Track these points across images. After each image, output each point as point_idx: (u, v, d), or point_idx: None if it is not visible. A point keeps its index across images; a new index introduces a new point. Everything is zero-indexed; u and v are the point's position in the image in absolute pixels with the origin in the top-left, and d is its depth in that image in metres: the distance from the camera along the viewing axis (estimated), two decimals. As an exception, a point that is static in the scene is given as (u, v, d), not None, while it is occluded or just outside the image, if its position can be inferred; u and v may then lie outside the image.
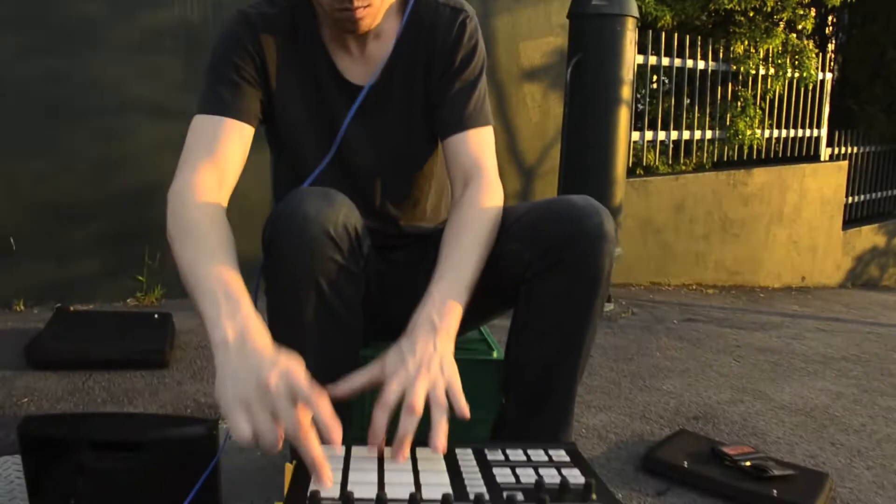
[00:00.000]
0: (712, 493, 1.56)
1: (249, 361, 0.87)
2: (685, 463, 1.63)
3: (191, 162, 1.12)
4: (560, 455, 0.96)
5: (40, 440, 1.28)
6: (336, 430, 0.86)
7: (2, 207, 2.59)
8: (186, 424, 1.37)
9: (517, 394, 1.22)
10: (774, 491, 1.51)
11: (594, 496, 0.82)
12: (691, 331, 3.14)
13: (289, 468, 0.94)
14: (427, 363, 0.96)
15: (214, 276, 0.96)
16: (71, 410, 1.78)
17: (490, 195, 1.19)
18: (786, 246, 4.64)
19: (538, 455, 0.96)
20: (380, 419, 0.91)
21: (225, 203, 1.12)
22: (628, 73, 3.08)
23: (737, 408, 2.15)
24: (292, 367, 0.87)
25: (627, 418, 2.00)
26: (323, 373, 1.04)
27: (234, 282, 0.96)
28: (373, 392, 0.98)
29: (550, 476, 0.88)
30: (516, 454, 0.96)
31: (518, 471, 0.90)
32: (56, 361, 2.02)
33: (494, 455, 0.95)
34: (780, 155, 4.83)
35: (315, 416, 0.85)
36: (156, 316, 2.32)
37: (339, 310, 1.07)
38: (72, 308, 2.65)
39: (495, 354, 1.44)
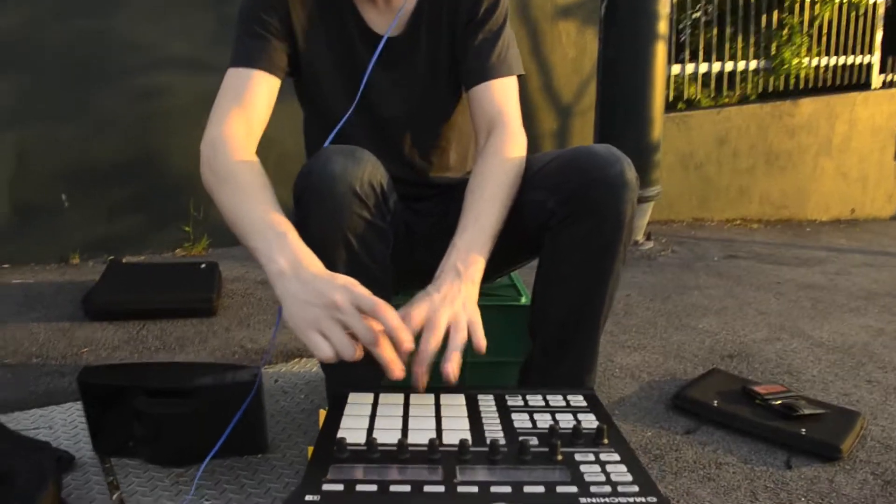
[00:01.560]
0: (741, 432, 1.59)
1: (311, 285, 0.93)
2: (715, 402, 1.66)
3: (220, 114, 1.18)
4: (578, 400, 1.00)
5: (99, 388, 1.38)
6: (406, 334, 0.92)
7: (52, 168, 2.69)
8: (232, 371, 1.45)
9: (542, 338, 1.26)
10: (803, 430, 1.53)
11: (606, 440, 0.86)
12: (732, 268, 3.12)
13: (322, 413, 1.01)
14: (452, 299, 1.01)
15: (260, 216, 1.03)
16: (127, 359, 1.89)
17: (513, 144, 1.21)
18: (834, 178, 4.51)
19: (556, 400, 1.00)
20: (403, 338, 0.94)
21: (254, 150, 1.18)
22: (665, 7, 2.99)
23: (773, 346, 2.16)
24: (351, 282, 0.93)
25: (661, 357, 2.03)
26: None
27: (279, 217, 1.03)
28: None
29: (566, 421, 0.93)
30: (535, 399, 1.00)
31: (535, 416, 0.94)
32: (111, 312, 2.13)
33: (514, 401, 0.99)
34: (829, 84, 4.65)
35: (383, 324, 0.92)
36: (202, 265, 2.41)
37: (368, 264, 1.11)
38: (123, 260, 2.78)
39: (523, 300, 1.48)
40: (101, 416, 1.40)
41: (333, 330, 0.90)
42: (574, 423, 0.92)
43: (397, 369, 0.91)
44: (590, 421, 0.93)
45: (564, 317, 1.21)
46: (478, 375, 1.44)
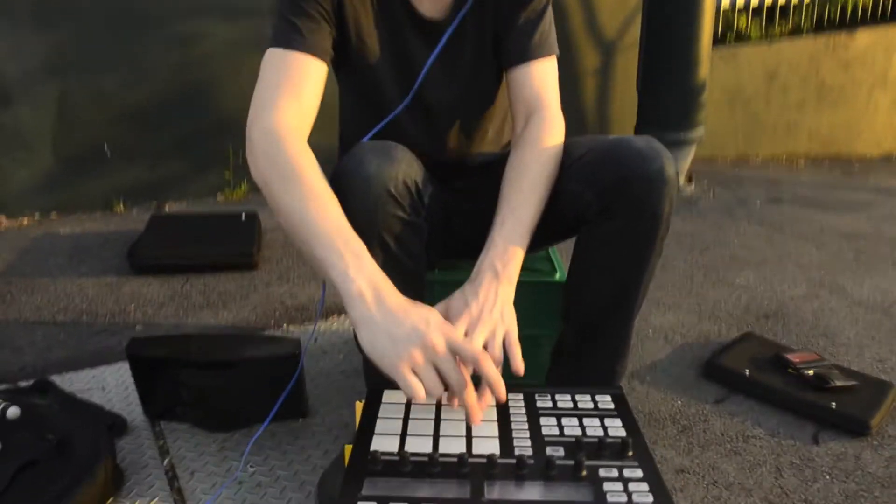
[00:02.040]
0: (771, 403, 1.60)
1: (400, 320, 0.92)
2: (746, 371, 1.67)
3: (273, 99, 1.11)
4: (606, 401, 1.02)
5: (146, 360, 1.45)
6: (501, 387, 0.94)
7: (93, 117, 2.72)
8: (273, 344, 1.50)
9: (575, 323, 1.27)
10: (833, 403, 1.54)
11: (631, 453, 0.89)
12: (774, 213, 3.06)
13: (359, 405, 1.04)
14: (490, 308, 1.02)
15: (332, 226, 0.99)
16: (171, 316, 1.97)
17: (551, 132, 1.19)
18: (889, 112, 4.32)
19: (584, 401, 1.02)
20: (501, 390, 0.96)
21: (307, 137, 1.13)
22: (716, -61, 2.83)
23: (810, 304, 2.14)
24: (446, 326, 0.94)
25: (696, 317, 2.03)
26: None
27: (353, 234, 1.00)
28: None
29: (593, 427, 0.95)
30: (564, 399, 1.02)
31: (563, 420, 0.97)
32: (156, 266, 2.20)
33: (543, 401, 1.02)
34: (889, 13, 4.39)
35: (484, 377, 0.93)
36: (243, 217, 2.46)
37: (403, 259, 1.13)
38: (166, 207, 2.84)
39: (558, 276, 1.49)
40: (149, 384, 1.47)
41: (428, 372, 0.90)
42: (601, 430, 0.94)
43: (478, 418, 0.92)
44: (616, 428, 0.95)
45: (598, 306, 1.22)
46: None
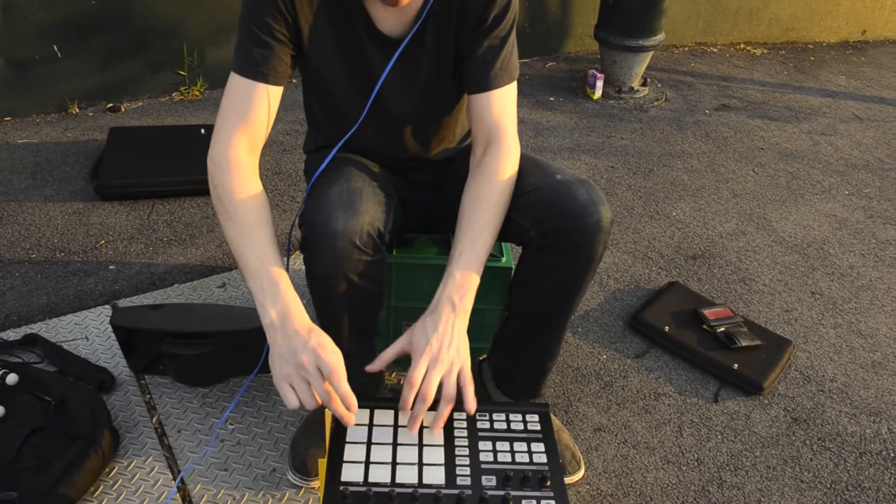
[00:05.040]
0: (685, 359, 1.84)
1: (290, 342, 1.10)
2: (666, 327, 1.89)
3: (226, 129, 1.23)
4: (533, 422, 1.22)
5: (128, 330, 1.59)
6: (352, 400, 1.11)
7: (40, 19, 2.61)
8: (244, 316, 1.64)
9: (515, 321, 1.44)
10: (735, 365, 1.78)
11: (548, 483, 1.10)
12: (721, 125, 3.17)
13: (328, 414, 1.23)
14: (448, 344, 1.17)
15: (257, 259, 1.16)
16: (142, 253, 2.07)
17: (507, 162, 1.29)
18: (851, -2, 4.33)
19: (516, 422, 1.22)
20: (408, 395, 1.14)
21: (257, 163, 1.26)
22: None
23: (736, 243, 2.34)
24: (321, 346, 1.10)
25: (630, 258, 2.22)
26: (355, 330, 1.29)
27: (275, 262, 1.16)
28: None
29: (521, 453, 1.16)
30: (500, 420, 1.22)
31: (497, 445, 1.17)
32: (121, 195, 2.27)
33: (483, 422, 1.21)
34: None
35: (335, 389, 1.10)
36: (202, 131, 2.48)
37: (366, 287, 1.26)
38: (123, 107, 2.82)
39: (504, 261, 1.64)
40: (132, 348, 1.63)
41: (299, 385, 1.09)
42: (527, 456, 1.15)
43: (349, 422, 1.12)
44: (539, 454, 1.16)
45: (535, 314, 1.39)
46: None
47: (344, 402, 1.11)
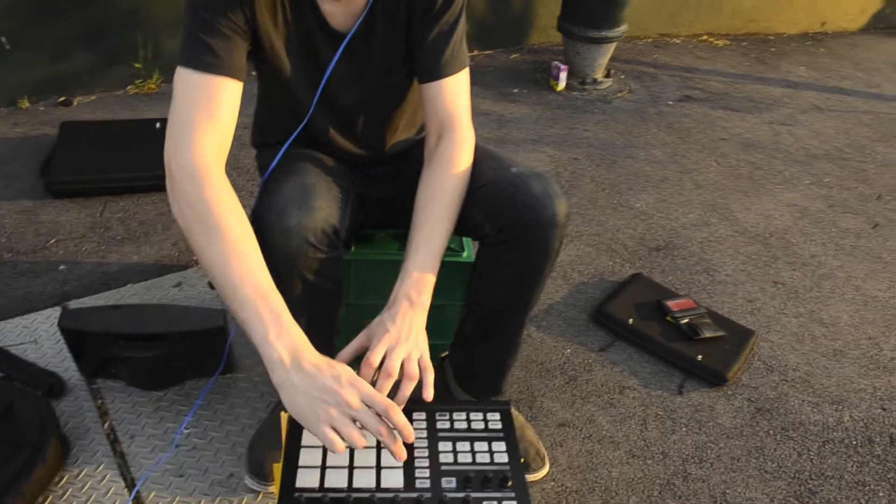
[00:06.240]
0: (648, 352, 1.84)
1: (317, 381, 1.01)
2: (630, 320, 1.88)
3: (189, 129, 1.11)
4: (494, 421, 1.20)
5: (78, 332, 1.53)
6: (410, 431, 1.05)
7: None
8: (200, 316, 1.60)
9: (475, 317, 1.42)
10: (699, 356, 1.78)
11: (510, 483, 1.08)
12: (684, 116, 3.18)
13: (284, 416, 1.19)
14: (406, 335, 1.14)
15: (251, 285, 1.05)
16: (93, 252, 2.01)
17: (462, 152, 1.26)
18: (811, -10, 4.37)
19: (477, 421, 1.19)
20: (366, 375, 1.10)
21: (224, 167, 1.16)
22: None
23: (699, 233, 2.34)
24: (357, 380, 1.03)
25: (594, 250, 2.21)
26: (313, 329, 1.25)
27: (271, 291, 1.06)
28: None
29: (482, 453, 1.13)
30: (460, 419, 1.20)
31: (458, 445, 1.15)
32: (71, 191, 2.19)
33: (443, 421, 1.19)
34: None
35: (394, 425, 1.03)
36: (157, 125, 2.42)
37: (323, 285, 1.22)
38: (75, 101, 2.73)
39: (465, 255, 1.61)
40: (83, 351, 1.57)
41: (347, 427, 1.00)
42: (488, 456, 1.13)
43: (402, 454, 1.03)
44: (500, 453, 1.14)
45: (493, 310, 1.36)
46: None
47: (402, 434, 1.04)
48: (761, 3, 4.28)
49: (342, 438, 1.00)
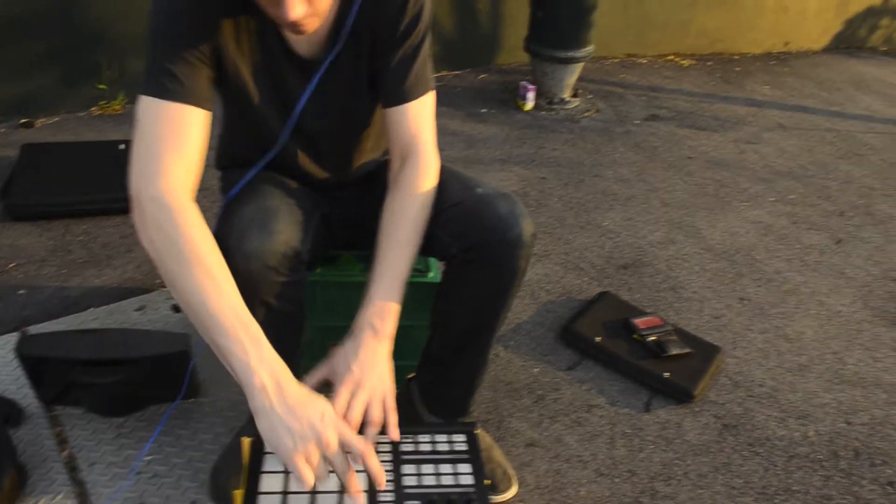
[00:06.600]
0: (616, 370, 1.84)
1: (298, 415, 1.00)
2: (597, 338, 1.88)
3: (156, 160, 1.08)
4: (460, 443, 1.19)
5: (36, 359, 1.49)
6: (382, 479, 1.04)
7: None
8: (163, 341, 1.57)
9: (441, 339, 1.41)
10: (666, 373, 1.79)
11: (474, 509, 1.07)
12: (650, 135, 3.22)
13: (246, 442, 1.17)
14: (369, 370, 1.13)
15: (230, 313, 1.04)
16: (54, 276, 1.97)
17: (426, 176, 1.26)
18: (775, 11, 4.46)
19: (442, 443, 1.18)
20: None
21: (194, 197, 1.13)
22: None
23: (666, 251, 2.36)
24: (338, 423, 1.02)
25: (562, 269, 2.22)
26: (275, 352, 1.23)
27: (250, 318, 1.05)
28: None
29: (447, 475, 1.12)
30: (424, 441, 1.18)
31: (423, 468, 1.13)
32: (32, 213, 2.16)
33: (406, 445, 1.17)
34: None
35: (368, 471, 1.04)
36: (121, 146, 2.39)
37: (285, 309, 1.21)
38: (38, 123, 2.70)
39: (431, 275, 1.61)
40: (42, 378, 1.53)
41: (320, 467, 1.00)
42: (453, 479, 1.11)
43: (362, 500, 1.04)
44: (466, 475, 1.13)
45: (459, 331, 1.36)
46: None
47: (374, 480, 1.04)
48: (726, 24, 4.37)
49: (314, 472, 1.00)
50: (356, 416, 1.08)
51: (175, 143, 1.10)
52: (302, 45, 1.23)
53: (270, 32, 1.20)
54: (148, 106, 1.11)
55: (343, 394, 1.10)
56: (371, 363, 1.13)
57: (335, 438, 1.01)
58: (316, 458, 1.00)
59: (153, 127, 1.11)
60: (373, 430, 1.10)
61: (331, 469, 1.03)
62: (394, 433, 1.12)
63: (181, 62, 1.11)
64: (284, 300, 1.19)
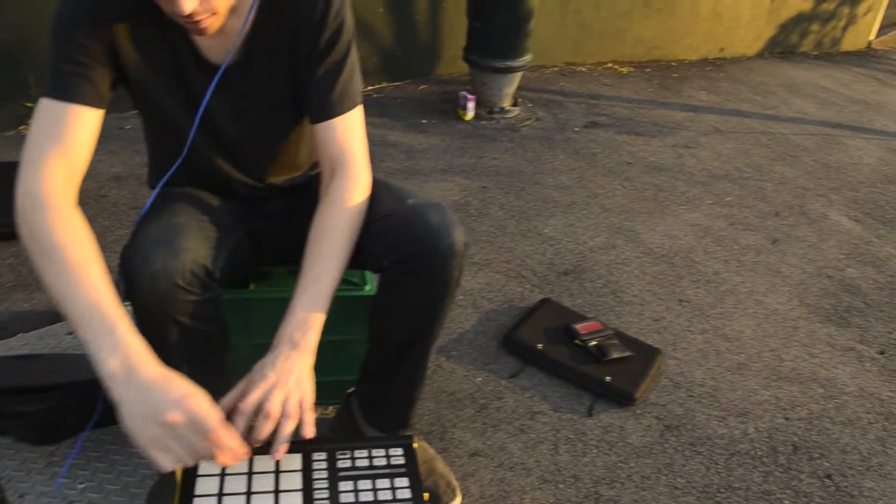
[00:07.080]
0: (558, 376, 1.85)
1: (145, 397, 0.96)
2: (539, 345, 1.89)
3: (38, 156, 1.09)
4: (397, 457, 1.17)
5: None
6: (245, 453, 1.01)
7: None
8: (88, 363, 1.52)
9: (378, 351, 1.40)
10: (608, 377, 1.80)
11: (412, 521, 1.06)
12: (590, 142, 3.26)
13: (178, 472, 1.14)
14: (286, 378, 1.11)
15: (86, 302, 1.00)
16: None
17: (356, 190, 1.24)
18: (709, 18, 4.58)
19: (379, 457, 1.17)
20: (238, 424, 1.05)
21: (75, 195, 1.13)
22: None
23: (607, 256, 2.39)
24: (188, 396, 0.97)
25: (503, 277, 2.23)
26: (200, 375, 1.20)
27: (110, 305, 1.00)
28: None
29: (384, 490, 1.11)
30: (361, 457, 1.17)
31: (359, 484, 1.12)
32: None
33: (343, 461, 1.16)
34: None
35: (221, 448, 0.98)
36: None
37: (201, 329, 1.18)
38: (-37, 144, 2.60)
39: (367, 289, 1.59)
40: (-37, 410, 1.47)
41: (174, 447, 0.95)
42: (390, 493, 1.10)
43: (232, 461, 1.01)
44: (403, 489, 1.11)
45: (396, 342, 1.34)
46: (323, 350, 1.59)
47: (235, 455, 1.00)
48: (662, 32, 4.47)
49: (172, 458, 0.95)
50: (274, 406, 1.04)
51: (58, 142, 1.10)
52: (212, 52, 1.21)
53: (180, 39, 1.19)
54: (41, 106, 1.12)
55: (255, 393, 1.06)
56: (289, 371, 1.10)
57: (181, 417, 0.94)
58: (170, 443, 0.95)
59: (41, 127, 1.11)
60: (290, 423, 1.06)
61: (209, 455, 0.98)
62: (308, 430, 1.08)
63: (73, 62, 1.11)
64: (198, 319, 1.16)
